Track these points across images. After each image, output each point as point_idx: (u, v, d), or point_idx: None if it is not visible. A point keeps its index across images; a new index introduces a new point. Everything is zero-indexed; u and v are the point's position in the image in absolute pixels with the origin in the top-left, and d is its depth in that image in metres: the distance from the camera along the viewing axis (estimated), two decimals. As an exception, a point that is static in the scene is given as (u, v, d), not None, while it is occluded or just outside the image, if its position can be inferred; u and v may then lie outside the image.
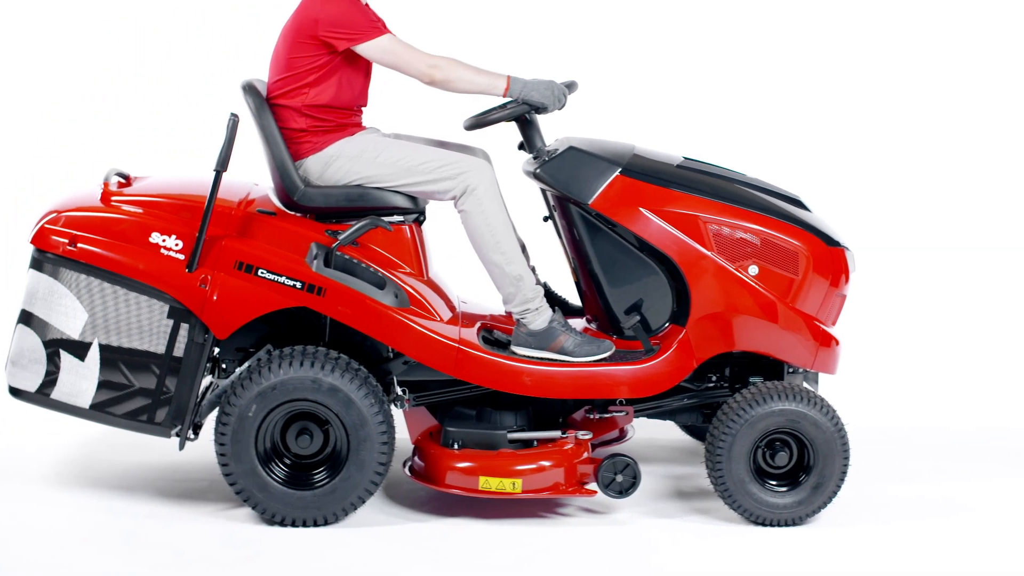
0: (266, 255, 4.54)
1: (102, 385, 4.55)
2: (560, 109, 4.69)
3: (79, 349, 4.54)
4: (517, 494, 4.60)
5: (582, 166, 4.70)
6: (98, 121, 7.42)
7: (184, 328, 4.53)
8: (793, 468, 4.66)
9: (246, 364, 4.72)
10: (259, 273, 4.53)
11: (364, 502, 4.59)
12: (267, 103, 4.67)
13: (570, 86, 4.74)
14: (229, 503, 4.75)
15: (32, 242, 4.59)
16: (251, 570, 4.28)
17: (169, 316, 4.53)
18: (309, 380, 4.50)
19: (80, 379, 4.55)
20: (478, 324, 4.81)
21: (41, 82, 7.48)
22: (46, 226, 4.58)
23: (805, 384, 4.83)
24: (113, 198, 4.65)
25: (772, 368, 4.85)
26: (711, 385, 4.89)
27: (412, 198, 4.72)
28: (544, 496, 4.63)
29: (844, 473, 4.63)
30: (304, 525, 4.57)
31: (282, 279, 4.53)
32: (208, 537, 4.50)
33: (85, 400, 4.56)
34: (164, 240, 4.54)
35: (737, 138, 7.24)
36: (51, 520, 4.63)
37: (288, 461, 4.61)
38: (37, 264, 4.59)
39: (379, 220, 4.62)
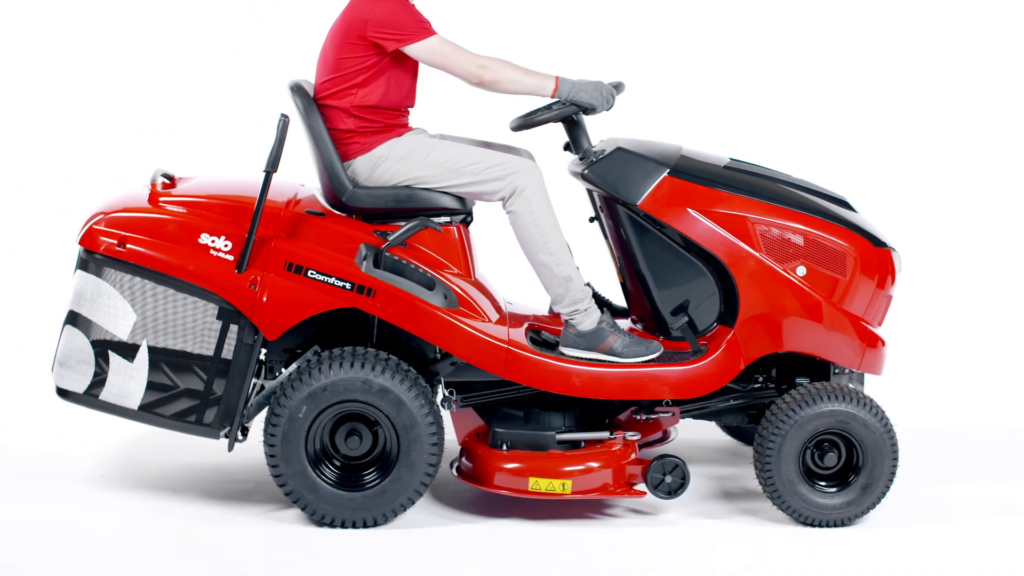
0: (315, 256, 4.54)
1: (151, 386, 4.55)
2: (608, 110, 4.68)
3: (128, 350, 4.54)
4: (566, 495, 4.59)
5: (630, 167, 4.69)
6: (98, 121, 7.43)
7: (233, 329, 4.53)
8: (842, 469, 4.66)
9: (293, 365, 4.72)
10: (308, 274, 4.52)
11: (413, 503, 4.59)
12: (315, 104, 4.66)
13: (617, 87, 4.74)
14: (276, 504, 4.75)
15: (80, 243, 4.59)
16: (304, 572, 4.27)
17: (218, 317, 4.53)
18: (360, 381, 4.50)
19: (129, 380, 4.55)
20: (525, 325, 4.81)
21: (41, 82, 7.48)
22: (94, 227, 4.58)
23: (853, 384, 4.83)
24: (161, 199, 4.65)
25: (817, 369, 4.85)
26: (757, 386, 4.89)
27: (460, 199, 4.72)
28: (592, 497, 4.63)
29: (893, 474, 4.62)
30: (353, 526, 4.57)
31: (331, 280, 4.53)
32: (259, 539, 4.49)
33: (134, 401, 4.56)
34: (213, 241, 4.54)
35: (780, 139, 7.24)
36: (102, 523, 4.62)
37: (338, 462, 4.61)
38: (84, 265, 4.58)
39: (429, 221, 4.62)
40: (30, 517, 4.64)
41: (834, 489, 4.64)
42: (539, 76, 4.63)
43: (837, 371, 4.82)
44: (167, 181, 4.77)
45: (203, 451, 5.15)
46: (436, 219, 4.68)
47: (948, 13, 7.67)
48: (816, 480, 4.65)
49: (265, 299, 4.49)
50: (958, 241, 7.36)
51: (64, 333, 4.60)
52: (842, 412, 4.58)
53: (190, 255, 4.52)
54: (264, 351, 4.79)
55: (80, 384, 4.58)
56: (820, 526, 4.62)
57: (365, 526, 4.57)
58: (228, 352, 4.54)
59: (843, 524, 4.63)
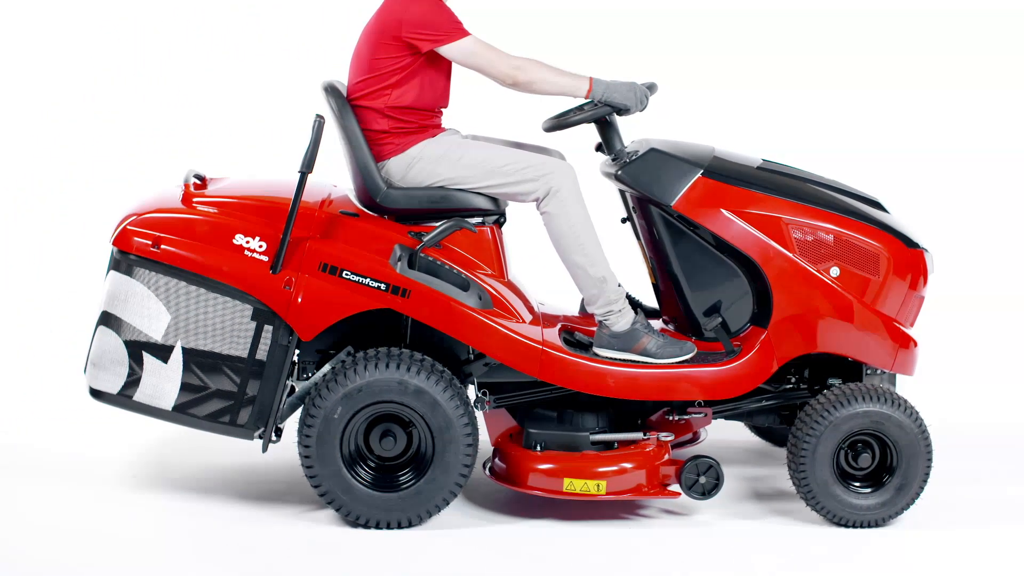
0: (350, 257, 4.53)
1: (185, 387, 4.55)
2: (642, 111, 4.68)
3: (162, 351, 4.54)
4: (601, 496, 4.59)
5: (664, 168, 4.70)
6: (98, 121, 7.42)
7: (268, 330, 4.53)
8: (876, 469, 4.66)
9: (327, 366, 4.72)
10: (343, 275, 4.52)
11: (448, 503, 4.59)
12: (349, 104, 4.66)
13: (651, 87, 4.74)
14: (309, 505, 4.74)
15: (114, 243, 4.59)
16: (340, 573, 4.27)
17: (253, 318, 4.52)
18: (395, 382, 4.49)
19: (163, 381, 4.54)
20: (559, 325, 4.81)
21: (41, 82, 7.47)
22: (128, 228, 4.57)
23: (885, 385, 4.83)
24: (194, 199, 4.65)
25: (849, 369, 4.85)
26: (790, 386, 4.89)
27: (494, 200, 4.72)
28: (626, 498, 4.62)
29: (927, 474, 4.62)
30: (388, 527, 4.56)
31: (366, 281, 4.52)
32: (293, 540, 4.49)
33: (168, 402, 4.56)
34: (248, 242, 4.54)
35: (811, 140, 7.24)
36: (138, 525, 4.62)
37: (372, 463, 4.61)
38: (117, 265, 4.58)
39: (464, 222, 4.62)
40: (65, 520, 4.64)
41: (868, 490, 4.64)
42: (573, 77, 4.63)
43: (869, 372, 4.82)
44: (198, 182, 4.77)
45: (236, 452, 5.15)
46: (470, 220, 4.68)
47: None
48: (850, 481, 4.65)
49: (300, 300, 4.49)
50: (988, 240, 7.37)
51: (97, 334, 4.60)
52: (877, 413, 4.58)
53: (224, 256, 4.52)
54: (297, 352, 4.78)
55: (114, 385, 4.58)
56: (854, 527, 4.62)
57: (400, 527, 4.57)
58: (262, 353, 4.53)
59: (877, 525, 4.63)
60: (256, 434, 4.58)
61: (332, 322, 4.53)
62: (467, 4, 4.81)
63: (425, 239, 4.58)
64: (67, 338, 6.25)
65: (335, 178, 4.95)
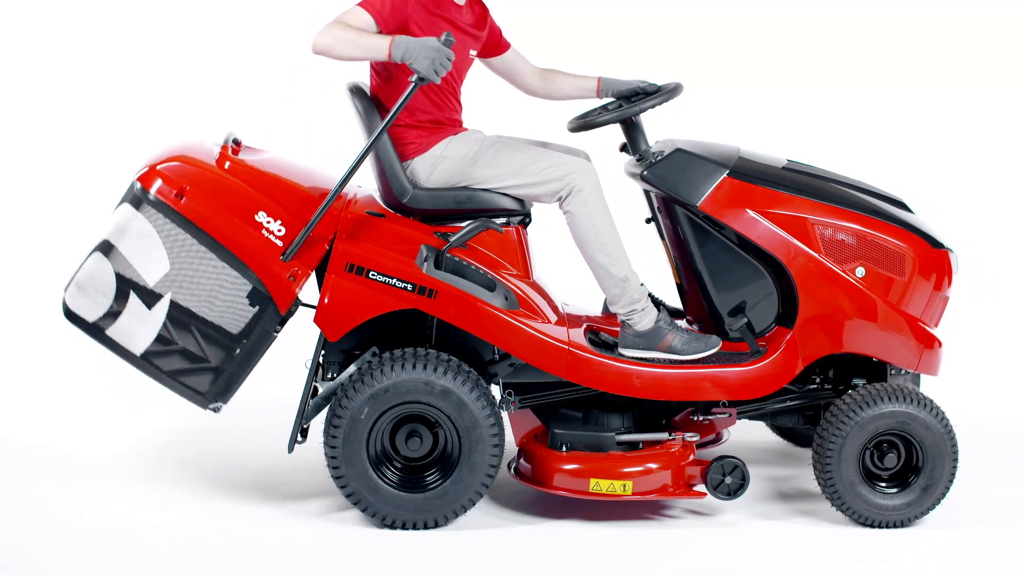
0: (376, 257, 4.53)
1: (159, 338, 4.48)
2: (436, 80, 4.38)
3: (150, 297, 4.47)
4: (627, 496, 4.59)
5: (689, 168, 4.69)
6: (98, 120, 7.43)
7: (258, 312, 4.48)
8: (901, 469, 4.66)
9: (352, 366, 4.71)
10: (370, 275, 4.51)
11: (475, 504, 4.59)
12: (374, 105, 4.65)
13: (446, 41, 4.36)
14: (334, 506, 4.74)
15: (139, 180, 4.48)
16: (370, 574, 4.27)
17: (248, 296, 4.48)
18: (422, 383, 4.49)
19: (141, 325, 4.47)
20: (584, 326, 4.80)
21: (42, 81, 7.49)
22: (157, 169, 4.49)
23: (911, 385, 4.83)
24: (228, 163, 4.56)
25: (874, 369, 4.85)
26: (814, 387, 4.89)
27: (519, 200, 4.71)
28: (652, 498, 4.62)
29: (953, 474, 4.62)
30: (415, 528, 4.56)
31: (393, 281, 4.52)
32: (321, 541, 4.48)
33: (139, 347, 4.50)
34: (269, 222, 4.50)
35: (834, 140, 7.26)
36: (161, 525, 4.62)
37: (398, 464, 4.60)
38: (136, 202, 4.47)
39: (490, 222, 4.61)
40: (86, 520, 4.64)
41: (894, 490, 4.64)
42: (376, 38, 4.39)
43: (894, 372, 4.82)
44: (235, 146, 4.67)
45: (259, 452, 5.16)
46: (496, 220, 4.68)
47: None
48: (876, 481, 4.65)
49: (327, 300, 4.48)
50: (1013, 239, 7.38)
51: (91, 259, 4.49)
52: (903, 413, 4.58)
53: (242, 228, 4.47)
54: (322, 352, 4.77)
55: (92, 313, 4.50)
56: (880, 527, 4.62)
57: (426, 527, 4.56)
58: (246, 332, 4.47)
59: (903, 525, 4.63)
60: (211, 406, 4.53)
61: (359, 322, 4.52)
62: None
63: (451, 239, 4.58)
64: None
65: (360, 179, 4.94)
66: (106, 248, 4.49)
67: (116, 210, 4.54)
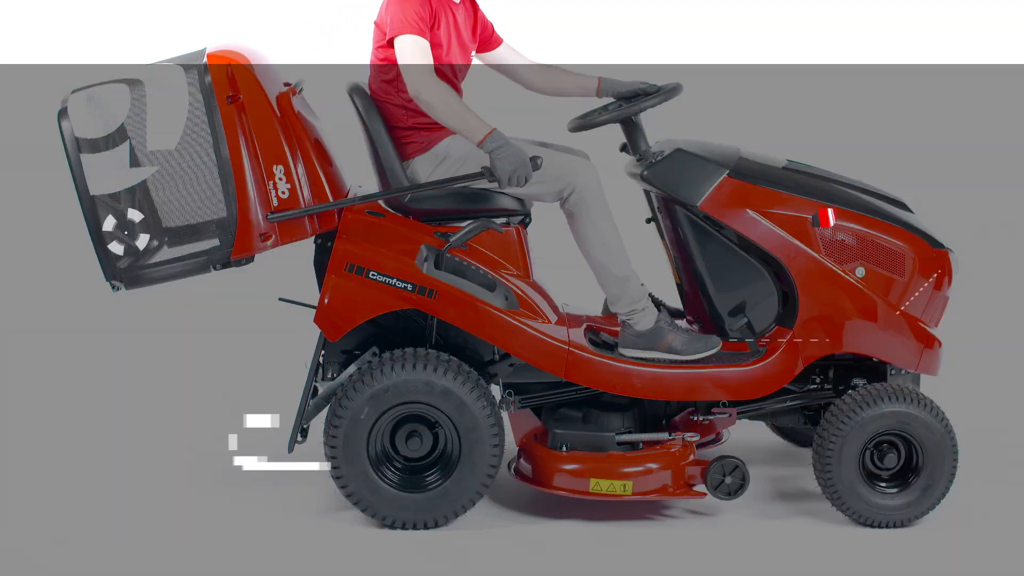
0: (376, 257, 4.53)
1: (121, 194, 4.37)
2: (519, 186, 4.47)
3: (137, 157, 4.37)
4: (627, 496, 4.59)
5: (690, 168, 4.70)
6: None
7: (216, 243, 4.41)
8: (901, 469, 4.66)
9: (352, 366, 4.71)
10: (370, 275, 4.52)
11: (474, 504, 4.59)
12: (374, 104, 4.65)
13: (534, 160, 4.45)
14: (334, 506, 4.74)
15: (209, 58, 4.38)
16: (371, 574, 4.27)
17: (216, 225, 4.41)
18: (422, 383, 4.49)
19: (114, 173, 4.36)
20: (584, 326, 4.81)
21: (42, 81, 7.45)
22: (225, 62, 4.38)
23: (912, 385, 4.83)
24: (282, 103, 4.48)
25: (873, 369, 4.85)
26: (814, 387, 4.89)
27: (519, 200, 4.71)
28: (652, 498, 4.63)
29: (953, 474, 4.62)
30: (415, 528, 4.56)
31: (393, 281, 4.52)
32: (321, 541, 4.49)
33: (97, 190, 4.36)
34: (280, 180, 4.46)
35: (834, 141, 7.26)
36: (159, 524, 4.62)
37: (398, 464, 4.60)
38: (191, 72, 4.36)
39: (491, 222, 4.62)
40: (86, 520, 4.65)
41: (894, 490, 4.64)
42: (476, 119, 4.45)
43: (894, 372, 4.82)
44: (297, 91, 4.62)
45: (260, 453, 5.15)
46: (496, 220, 4.68)
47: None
48: (876, 481, 4.65)
49: (327, 300, 4.49)
50: (1014, 239, 7.39)
51: (116, 85, 4.39)
52: (903, 413, 4.58)
53: (257, 168, 4.42)
54: (323, 353, 4.77)
55: (83, 129, 4.36)
56: (880, 527, 4.62)
57: (426, 528, 4.57)
58: (193, 250, 4.41)
59: (903, 525, 4.63)
60: (112, 282, 4.42)
61: (359, 322, 4.53)
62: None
63: (452, 239, 4.58)
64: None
65: (360, 179, 4.95)
66: (133, 84, 4.37)
67: (162, 61, 4.42)
